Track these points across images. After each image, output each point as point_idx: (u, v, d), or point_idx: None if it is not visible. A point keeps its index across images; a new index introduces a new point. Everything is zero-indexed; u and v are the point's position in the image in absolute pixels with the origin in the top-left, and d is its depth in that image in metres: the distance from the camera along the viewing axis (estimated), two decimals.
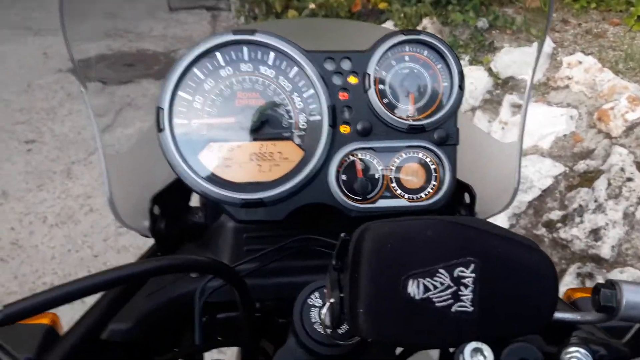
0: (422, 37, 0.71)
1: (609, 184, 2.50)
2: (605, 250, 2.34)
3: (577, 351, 0.44)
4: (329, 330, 0.53)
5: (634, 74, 3.04)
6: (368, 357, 0.56)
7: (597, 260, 2.33)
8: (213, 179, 0.65)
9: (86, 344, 0.58)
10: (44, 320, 0.63)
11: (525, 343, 0.43)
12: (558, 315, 0.47)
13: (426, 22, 3.75)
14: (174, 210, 0.77)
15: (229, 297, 0.61)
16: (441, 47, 0.71)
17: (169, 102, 0.65)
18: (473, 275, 0.41)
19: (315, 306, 0.57)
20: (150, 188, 0.75)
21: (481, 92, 3.18)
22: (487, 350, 0.41)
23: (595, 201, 2.47)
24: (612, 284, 0.44)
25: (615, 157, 2.58)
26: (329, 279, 0.49)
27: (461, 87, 0.71)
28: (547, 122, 2.92)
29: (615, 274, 2.28)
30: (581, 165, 2.66)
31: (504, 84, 3.18)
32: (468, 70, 3.25)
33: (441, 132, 0.70)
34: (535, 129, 2.86)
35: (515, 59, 3.26)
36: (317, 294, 0.58)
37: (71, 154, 3.31)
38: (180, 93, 0.66)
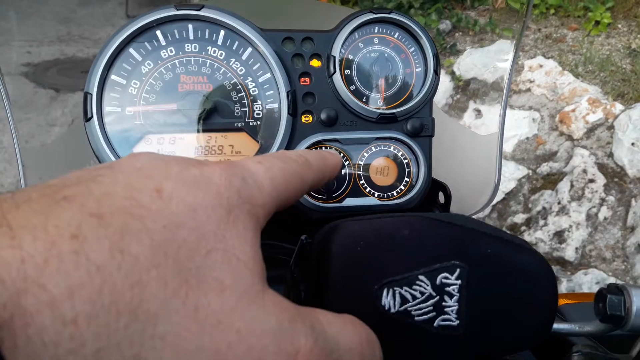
0: (393, 16, 0.63)
1: (572, 186, 2.50)
2: (569, 252, 2.33)
3: None
4: None
5: (594, 76, 3.08)
6: None
7: (562, 262, 2.32)
8: None
9: None
10: None
11: None
12: (555, 326, 0.40)
13: None
14: None
15: None
16: (414, 27, 0.63)
17: (98, 86, 0.55)
18: (459, 282, 0.33)
19: None
20: None
21: (444, 96, 3.16)
22: None
23: (559, 203, 2.47)
24: (618, 289, 0.38)
25: (578, 158, 2.59)
26: (287, 291, 0.41)
27: (436, 71, 0.63)
28: (509, 126, 2.91)
29: (579, 276, 2.27)
30: (544, 168, 2.66)
31: (466, 86, 3.17)
32: None
33: (415, 122, 0.63)
34: None
35: (476, 62, 3.26)
36: None
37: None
38: (112, 77, 0.56)
